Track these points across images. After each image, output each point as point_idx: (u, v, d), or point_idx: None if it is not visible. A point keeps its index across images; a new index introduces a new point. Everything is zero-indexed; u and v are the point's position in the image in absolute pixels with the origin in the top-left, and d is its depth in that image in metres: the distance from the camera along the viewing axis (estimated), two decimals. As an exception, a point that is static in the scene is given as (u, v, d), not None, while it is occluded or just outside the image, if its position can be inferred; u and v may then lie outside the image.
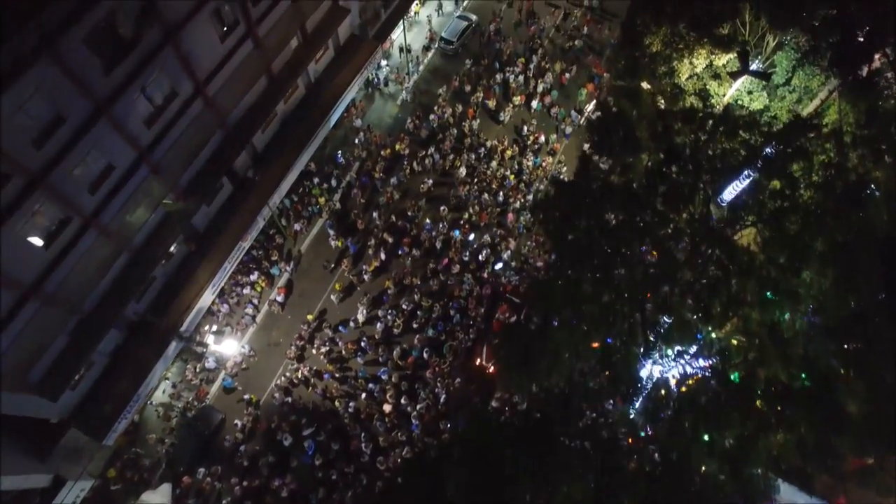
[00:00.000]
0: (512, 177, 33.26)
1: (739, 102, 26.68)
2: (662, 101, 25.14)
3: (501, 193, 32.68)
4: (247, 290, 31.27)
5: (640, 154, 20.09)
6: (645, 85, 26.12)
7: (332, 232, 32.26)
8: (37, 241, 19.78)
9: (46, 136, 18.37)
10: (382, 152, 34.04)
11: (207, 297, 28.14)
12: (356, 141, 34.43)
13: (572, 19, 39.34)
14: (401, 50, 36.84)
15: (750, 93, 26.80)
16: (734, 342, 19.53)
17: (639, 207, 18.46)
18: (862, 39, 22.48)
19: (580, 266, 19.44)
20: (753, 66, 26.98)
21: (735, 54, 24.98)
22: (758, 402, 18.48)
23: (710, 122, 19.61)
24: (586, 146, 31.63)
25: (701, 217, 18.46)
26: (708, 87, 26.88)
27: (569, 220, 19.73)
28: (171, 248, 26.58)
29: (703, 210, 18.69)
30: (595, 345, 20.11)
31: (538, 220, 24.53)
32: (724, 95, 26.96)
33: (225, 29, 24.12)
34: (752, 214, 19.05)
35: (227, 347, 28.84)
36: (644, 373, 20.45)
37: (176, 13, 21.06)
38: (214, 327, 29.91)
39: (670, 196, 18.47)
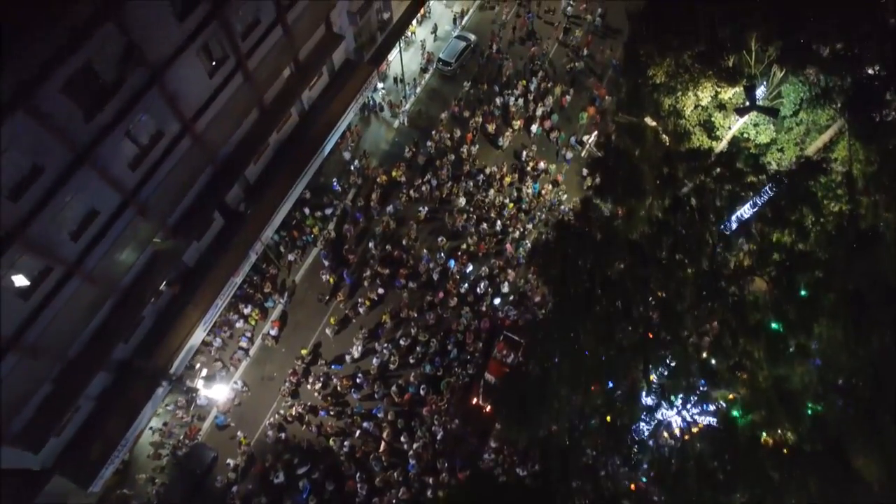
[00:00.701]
0: (511, 205, 32.47)
1: (745, 135, 25.83)
2: (667, 139, 24.31)
3: (500, 222, 31.88)
4: (240, 324, 30.56)
5: (644, 200, 19.33)
6: (648, 120, 25.28)
7: (326, 262, 31.50)
8: (15, 294, 19.05)
9: (23, 188, 17.65)
10: (378, 179, 33.25)
11: (199, 335, 27.41)
12: (351, 168, 33.64)
13: (573, 36, 38.39)
14: (395, 81, 36.00)
15: (756, 125, 25.94)
16: (741, 393, 18.81)
17: (642, 261, 17.67)
18: (875, 81, 21.58)
19: (580, 319, 18.70)
20: (760, 94, 26.19)
21: (742, 87, 24.12)
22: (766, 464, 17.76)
23: (717, 169, 18.76)
24: (587, 182, 30.99)
25: (707, 272, 17.64)
26: (713, 118, 26.08)
27: (568, 269, 18.96)
28: (161, 287, 25.84)
29: (710, 266, 17.89)
30: (595, 387, 19.44)
31: (537, 267, 23.72)
32: (729, 128, 26.12)
33: (213, 64, 23.37)
34: (762, 266, 18.19)
35: (218, 393, 28.12)
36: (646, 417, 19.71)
37: (160, 54, 20.32)
38: (205, 371, 29.14)
39: (675, 251, 17.65)
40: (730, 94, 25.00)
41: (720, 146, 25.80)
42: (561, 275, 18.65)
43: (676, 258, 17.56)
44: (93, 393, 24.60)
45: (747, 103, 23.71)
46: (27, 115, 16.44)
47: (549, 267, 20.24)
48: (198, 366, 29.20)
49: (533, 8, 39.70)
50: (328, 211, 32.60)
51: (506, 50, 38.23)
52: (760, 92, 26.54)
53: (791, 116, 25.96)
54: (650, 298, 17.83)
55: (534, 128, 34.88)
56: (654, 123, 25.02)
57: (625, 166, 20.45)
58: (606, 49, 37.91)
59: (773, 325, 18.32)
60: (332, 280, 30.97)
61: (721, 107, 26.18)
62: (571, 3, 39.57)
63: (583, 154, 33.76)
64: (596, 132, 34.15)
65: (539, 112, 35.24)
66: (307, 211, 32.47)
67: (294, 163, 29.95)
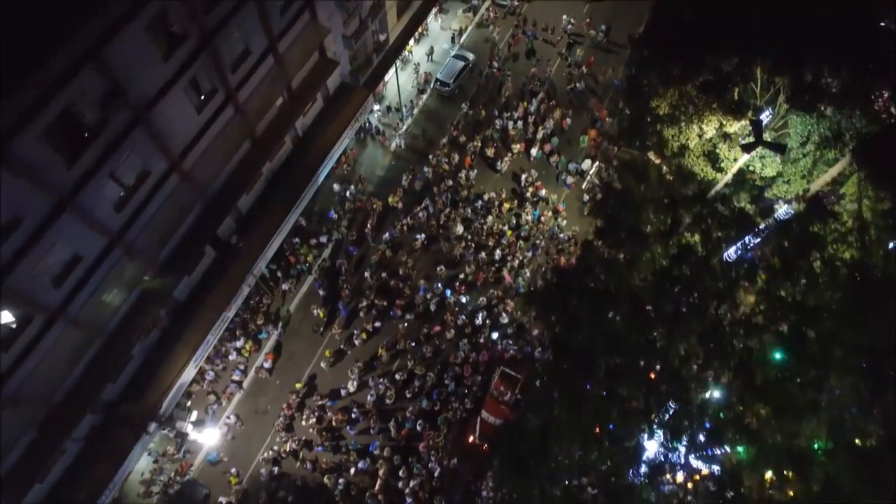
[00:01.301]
0: (510, 232, 31.71)
1: (751, 167, 25.08)
2: (670, 176, 23.57)
3: (498, 251, 31.14)
4: (233, 356, 29.85)
5: (648, 247, 18.59)
6: (651, 155, 24.55)
7: (321, 293, 30.80)
8: (-6, 347, 18.38)
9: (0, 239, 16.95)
10: (374, 206, 32.52)
11: (190, 372, 26.69)
12: (346, 194, 32.91)
13: (573, 55, 37.60)
14: (390, 109, 35.26)
15: (762, 157, 25.15)
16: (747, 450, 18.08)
17: (644, 317, 16.93)
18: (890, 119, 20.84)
19: (580, 379, 18.01)
20: (765, 119, 25.44)
21: (748, 121, 23.37)
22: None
23: (721, 209, 18.03)
24: (590, 229, 30.05)
25: (712, 330, 16.90)
26: (718, 149, 25.34)
27: (569, 321, 18.24)
28: (150, 326, 25.14)
29: (715, 319, 17.15)
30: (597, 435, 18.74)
31: (537, 313, 22.99)
32: (734, 160, 25.35)
33: (202, 98, 22.67)
34: (771, 322, 17.43)
35: (209, 437, 27.42)
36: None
37: (145, 93, 19.61)
38: (195, 414, 28.39)
39: (679, 305, 16.91)
40: (735, 127, 24.23)
41: (725, 178, 25.07)
42: (561, 325, 17.90)
43: (682, 311, 16.79)
44: (79, 435, 23.91)
45: (753, 138, 23.07)
46: (3, 167, 15.73)
47: (548, 314, 19.49)
48: (188, 403, 28.46)
49: (532, 27, 38.85)
50: (323, 239, 31.88)
51: (504, 67, 37.43)
52: (766, 117, 25.84)
53: (799, 146, 25.23)
54: (654, 359, 17.07)
55: (534, 151, 34.13)
56: (657, 160, 24.25)
57: (627, 209, 19.68)
58: (608, 69, 37.13)
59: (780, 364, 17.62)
60: (321, 315, 30.21)
61: (726, 136, 25.47)
62: (572, 20, 38.80)
63: (584, 186, 32.87)
64: (598, 163, 33.27)
65: (539, 135, 34.47)
66: (297, 240, 31.66)
67: (288, 192, 29.25)
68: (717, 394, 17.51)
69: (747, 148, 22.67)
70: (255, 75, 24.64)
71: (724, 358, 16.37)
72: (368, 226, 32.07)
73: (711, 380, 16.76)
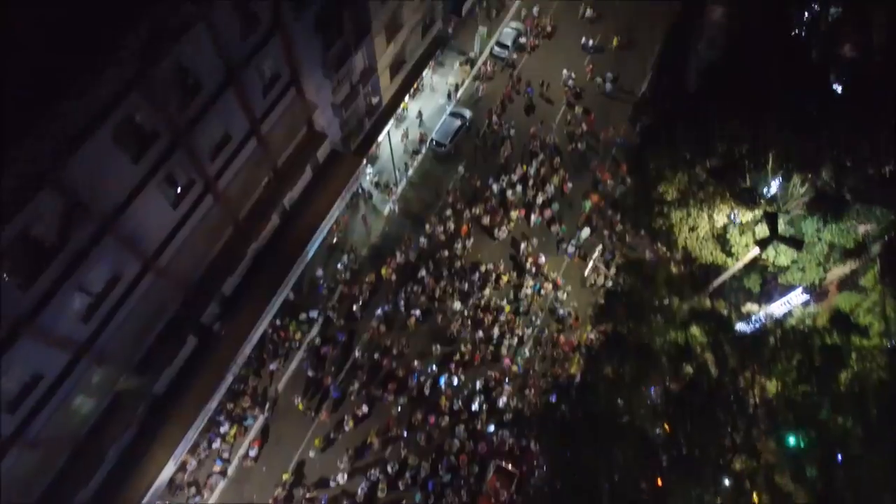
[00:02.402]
0: (507, 308, 30.17)
1: (764, 257, 23.57)
2: (678, 269, 22.11)
3: (496, 328, 29.61)
4: (216, 444, 28.27)
5: (657, 371, 17.07)
6: (659, 245, 23.11)
7: (310, 373, 29.29)
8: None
9: (-53, 379, 15.53)
10: (367, 279, 31.07)
11: (169, 470, 25.12)
12: (338, 266, 31.48)
13: (574, 115, 36.28)
14: (376, 185, 34.14)
15: (776, 244, 23.69)
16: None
17: (655, 458, 15.37)
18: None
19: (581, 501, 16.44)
20: (776, 186, 24.03)
21: (762, 212, 21.91)
22: None
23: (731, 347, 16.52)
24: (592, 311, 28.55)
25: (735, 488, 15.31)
26: (729, 234, 23.89)
27: (572, 454, 16.68)
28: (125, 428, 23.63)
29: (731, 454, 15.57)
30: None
31: (537, 435, 21.45)
32: (745, 245, 23.86)
33: (178, 192, 21.32)
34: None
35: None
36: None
37: (113, 201, 18.25)
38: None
39: (691, 445, 15.34)
40: (748, 217, 22.77)
41: (735, 267, 23.57)
42: (560, 461, 16.33)
43: (695, 454, 15.21)
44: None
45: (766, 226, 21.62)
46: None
47: (548, 435, 17.93)
48: (167, 503, 26.80)
49: (528, 86, 37.56)
50: (313, 314, 30.39)
51: (503, 122, 36.10)
52: (776, 185, 24.39)
53: (814, 231, 23.74)
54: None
55: (533, 217, 32.68)
56: (664, 254, 22.80)
57: (635, 318, 18.17)
58: (610, 126, 35.76)
59: None
60: (300, 406, 28.62)
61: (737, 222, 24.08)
62: (573, 75, 37.53)
63: (586, 273, 31.17)
64: (601, 246, 31.63)
65: (539, 200, 33.05)
66: (280, 321, 30.16)
67: (275, 271, 27.83)
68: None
69: (762, 244, 21.21)
70: (237, 160, 23.33)
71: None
72: (360, 301, 30.57)
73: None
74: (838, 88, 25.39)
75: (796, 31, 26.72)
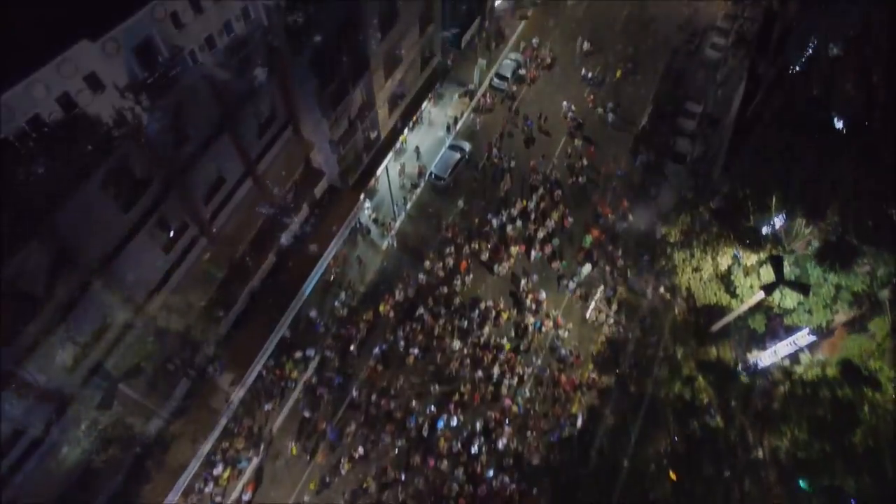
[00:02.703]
0: (508, 346, 29.59)
1: (770, 299, 23.04)
2: (679, 314, 21.59)
3: (496, 367, 29.00)
4: (209, 488, 27.51)
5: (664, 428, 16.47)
6: (662, 290, 22.64)
7: (306, 414, 28.62)
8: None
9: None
10: (364, 316, 30.55)
11: (158, 518, 24.44)
12: (335, 304, 30.97)
13: (574, 147, 36.05)
14: (374, 221, 33.74)
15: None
16: None
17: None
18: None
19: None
20: (779, 223, 23.59)
21: (767, 256, 21.47)
22: None
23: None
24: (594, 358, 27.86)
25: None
26: (733, 276, 23.40)
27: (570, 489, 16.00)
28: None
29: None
30: None
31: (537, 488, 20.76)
32: (750, 286, 23.37)
33: (171, 236, 20.99)
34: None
35: None
36: None
37: (102, 250, 17.88)
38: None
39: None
40: (752, 260, 22.31)
41: (740, 309, 23.04)
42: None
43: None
44: None
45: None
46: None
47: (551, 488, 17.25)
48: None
49: (526, 119, 37.46)
50: (309, 352, 29.80)
51: (502, 154, 35.89)
52: (780, 222, 23.94)
53: (821, 272, 23.24)
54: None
55: (533, 253, 32.24)
56: (667, 296, 22.32)
57: (638, 367, 17.60)
58: (610, 159, 35.50)
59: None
60: (295, 451, 27.94)
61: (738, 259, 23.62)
62: (573, 107, 37.40)
63: (588, 314, 30.52)
64: (602, 287, 31.04)
65: (539, 235, 32.64)
66: (273, 363, 29.56)
67: (270, 309, 27.42)
68: None
69: (768, 289, 20.72)
70: (232, 201, 23.06)
71: None
72: (357, 339, 30.02)
73: None
74: (839, 124, 25.13)
75: (796, 69, 26.52)
